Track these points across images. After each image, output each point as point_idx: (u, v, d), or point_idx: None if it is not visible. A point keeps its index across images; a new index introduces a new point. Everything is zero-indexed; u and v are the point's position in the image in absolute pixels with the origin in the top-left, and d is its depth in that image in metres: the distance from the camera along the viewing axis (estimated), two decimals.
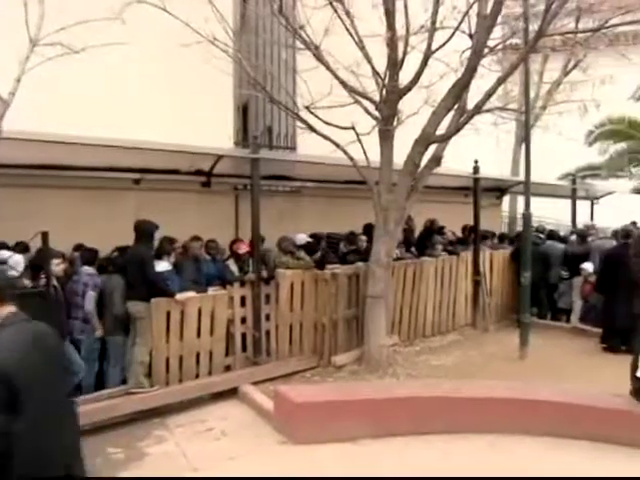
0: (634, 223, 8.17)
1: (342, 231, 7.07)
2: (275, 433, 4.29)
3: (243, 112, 7.45)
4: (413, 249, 7.24)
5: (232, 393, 5.09)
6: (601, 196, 11.01)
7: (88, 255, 5.17)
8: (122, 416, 4.49)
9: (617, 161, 9.85)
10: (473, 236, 7.58)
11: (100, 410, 4.36)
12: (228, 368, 5.33)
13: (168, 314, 4.87)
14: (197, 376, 5.09)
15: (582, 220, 10.51)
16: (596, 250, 7.22)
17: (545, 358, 6.02)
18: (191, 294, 5.02)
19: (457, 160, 7.21)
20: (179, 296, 4.88)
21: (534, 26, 5.28)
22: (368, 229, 6.35)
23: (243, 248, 5.74)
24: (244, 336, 5.44)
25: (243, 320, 5.42)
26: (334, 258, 6.20)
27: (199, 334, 5.09)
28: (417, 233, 7.68)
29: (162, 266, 5.04)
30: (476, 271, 7.44)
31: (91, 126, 4.81)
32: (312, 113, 5.30)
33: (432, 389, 4.57)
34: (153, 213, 5.19)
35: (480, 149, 7.99)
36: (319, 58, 5.17)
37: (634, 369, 4.24)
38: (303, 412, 4.24)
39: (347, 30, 5.22)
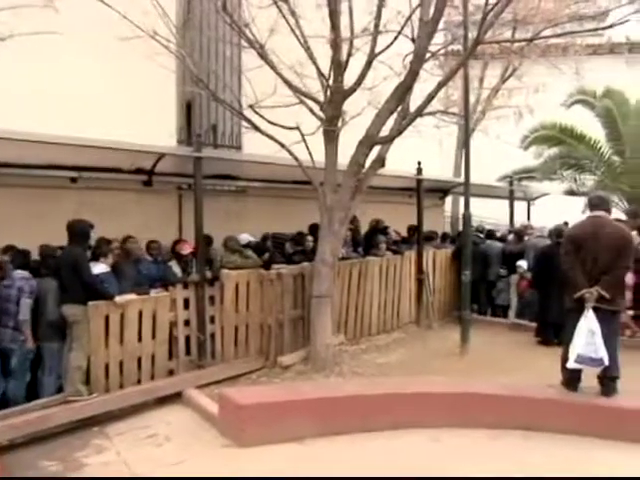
0: (566, 223, 8.63)
1: (289, 231, 7.09)
2: (220, 437, 4.22)
3: (187, 110, 7.28)
4: (360, 249, 7.34)
5: (176, 398, 4.97)
6: (537, 197, 11.59)
7: (19, 258, 4.88)
8: (58, 427, 4.27)
9: (550, 164, 10.38)
10: (417, 236, 7.76)
11: (33, 421, 4.13)
12: (172, 372, 5.21)
13: (107, 318, 4.69)
14: (139, 381, 4.94)
15: (519, 220, 11.02)
16: (531, 248, 7.59)
17: (485, 353, 6.25)
18: (131, 297, 4.86)
19: (401, 162, 7.36)
20: (118, 299, 4.72)
21: (473, 34, 5.50)
22: (314, 229, 6.38)
23: (186, 249, 5.62)
24: (188, 339, 5.33)
25: (187, 322, 5.30)
26: (280, 258, 6.19)
27: (140, 338, 4.94)
28: (363, 233, 7.79)
29: (99, 268, 4.85)
30: (420, 270, 7.63)
31: (23, 121, 4.55)
32: (256, 112, 5.27)
33: (376, 386, 4.65)
34: (92, 213, 4.99)
35: (424, 151, 8.22)
36: (264, 57, 5.15)
37: (564, 361, 4.49)
38: (248, 414, 4.19)
39: (292, 30, 5.22)
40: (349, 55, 5.10)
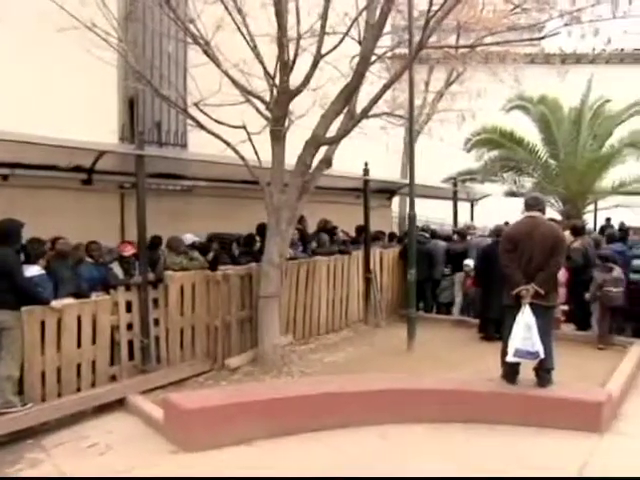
0: (507, 223, 9.01)
1: (237, 231, 7.00)
2: (166, 442, 4.11)
3: (130, 106, 7.04)
4: (309, 249, 7.36)
5: (119, 405, 4.80)
6: (479, 198, 12.02)
7: None
8: None
9: (491, 167, 10.81)
10: (364, 236, 7.86)
11: None
12: (114, 378, 5.02)
13: (43, 323, 4.46)
14: (79, 389, 4.73)
15: (463, 220, 11.40)
16: (474, 247, 7.87)
17: (430, 349, 6.40)
18: (69, 301, 4.64)
19: (350, 162, 7.45)
20: (55, 303, 4.49)
21: (418, 38, 5.62)
22: (261, 229, 6.33)
23: (128, 250, 5.44)
24: (131, 343, 5.15)
25: (129, 326, 5.13)
26: (227, 259, 6.10)
27: (80, 344, 4.72)
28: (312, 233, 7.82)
29: (33, 270, 4.60)
30: (367, 269, 7.73)
31: None
32: (201, 110, 5.16)
33: (324, 386, 4.66)
34: (26, 213, 4.71)
35: (372, 153, 8.34)
36: (209, 54, 5.05)
37: (504, 355, 4.68)
38: (194, 418, 4.11)
39: (238, 28, 5.16)
40: (296, 55, 5.10)
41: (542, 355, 4.48)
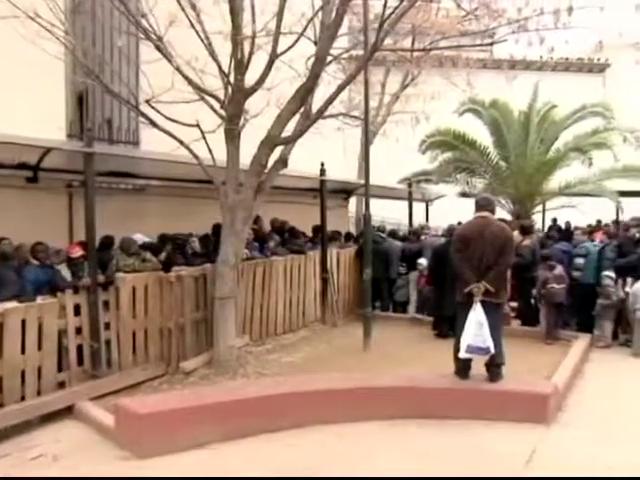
0: (460, 223, 9.26)
1: (193, 232, 6.88)
2: (117, 450, 3.99)
3: (79, 102, 6.79)
4: (266, 249, 7.31)
5: (68, 412, 4.62)
6: (434, 199, 12.30)
7: None
8: None
9: (445, 168, 11.06)
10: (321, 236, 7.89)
11: None
12: (62, 385, 4.82)
13: None
14: (23, 397, 4.51)
15: (419, 220, 11.63)
16: (428, 247, 8.05)
17: (386, 347, 6.48)
18: (12, 304, 4.42)
19: (307, 163, 7.46)
20: None
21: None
22: (217, 229, 6.24)
23: (77, 251, 5.24)
24: (80, 348, 4.97)
25: (78, 330, 4.94)
26: (180, 259, 5.98)
27: (24, 350, 4.51)
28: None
29: None
30: (324, 269, 7.76)
31: None
32: (153, 107, 5.04)
33: (281, 386, 4.64)
34: None
35: (329, 153, 8.38)
36: (161, 50, 4.94)
37: (456, 351, 4.80)
38: (147, 423, 4.01)
39: (192, 24, 5.06)
40: (251, 54, 5.05)
41: (493, 350, 4.62)
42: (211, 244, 6.41)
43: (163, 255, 5.86)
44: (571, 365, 5.66)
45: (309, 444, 4.16)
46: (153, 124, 5.18)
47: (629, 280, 6.91)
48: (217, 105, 5.23)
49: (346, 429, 4.38)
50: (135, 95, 5.50)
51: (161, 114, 5.13)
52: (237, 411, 4.28)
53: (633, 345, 6.61)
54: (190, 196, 7.18)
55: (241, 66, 5.01)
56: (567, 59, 18.16)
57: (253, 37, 4.94)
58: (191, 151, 5.20)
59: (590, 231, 8.02)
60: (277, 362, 6.02)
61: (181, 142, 5.14)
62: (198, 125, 5.14)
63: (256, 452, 4.01)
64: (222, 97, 5.21)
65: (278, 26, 5.06)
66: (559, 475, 3.64)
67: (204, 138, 5.21)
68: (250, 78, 5.25)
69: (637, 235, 7.18)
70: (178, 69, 4.90)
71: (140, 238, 6.00)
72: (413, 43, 9.53)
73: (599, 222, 11.09)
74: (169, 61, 4.88)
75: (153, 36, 4.96)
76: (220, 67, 5.10)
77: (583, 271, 7.21)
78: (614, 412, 4.74)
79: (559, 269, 6.87)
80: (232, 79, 5.12)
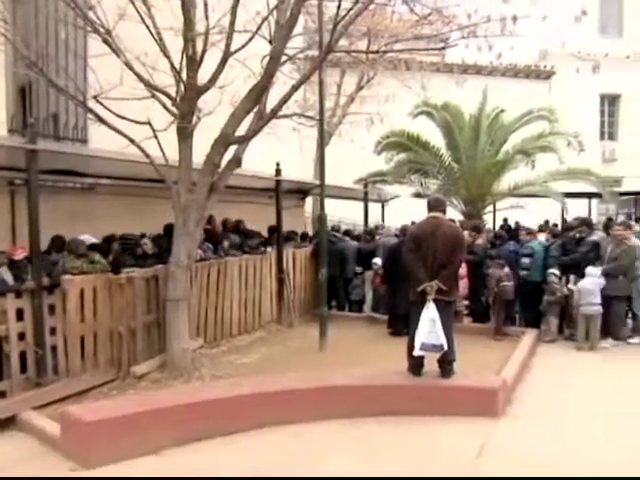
0: (413, 223, 9.44)
1: (146, 232, 6.69)
2: (64, 460, 3.83)
3: (22, 95, 6.48)
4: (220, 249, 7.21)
5: (11, 423, 4.39)
6: (390, 199, 12.48)
7: None
8: None
9: (400, 169, 11.23)
10: (277, 236, 7.85)
11: None
12: (3, 394, 4.58)
13: None
14: None
15: (375, 220, 11.77)
16: (382, 246, 8.17)
17: (342, 346, 6.52)
18: None
19: (263, 163, 7.41)
20: None
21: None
22: (169, 230, 6.10)
23: (19, 253, 4.99)
24: (23, 355, 4.73)
25: (21, 336, 4.71)
26: (131, 260, 5.81)
27: None
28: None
29: None
30: (280, 269, 7.73)
31: None
32: (101, 104, 4.87)
33: (235, 388, 4.59)
34: None
35: (286, 153, 8.36)
36: (110, 45, 4.77)
37: (410, 349, 4.88)
38: (96, 431, 3.86)
39: (142, 19, 4.92)
40: (204, 51, 4.96)
41: (446, 347, 4.73)
42: (163, 245, 6.25)
43: (110, 257, 5.67)
44: (519, 359, 5.87)
45: (265, 445, 4.13)
46: (102, 121, 5.01)
47: (572, 277, 7.24)
48: (169, 102, 5.11)
49: (303, 429, 4.39)
50: (82, 91, 5.29)
51: (110, 111, 4.97)
52: (191, 415, 4.19)
53: (577, 339, 6.92)
54: (141, 195, 6.99)
55: (193, 63, 4.91)
56: (515, 65, 18.86)
57: (206, 34, 4.85)
58: (142, 149, 5.06)
59: (533, 231, 8.34)
60: (232, 364, 5.95)
61: (131, 140, 5.00)
62: (149, 123, 5.01)
63: (209, 456, 3.95)
64: (174, 94, 5.09)
65: (232, 23, 5.00)
66: (508, 466, 3.77)
67: (155, 136, 5.08)
68: (204, 76, 5.16)
69: (578, 234, 7.52)
70: (127, 64, 4.75)
71: (88, 239, 5.78)
72: (369, 45, 9.64)
73: (547, 222, 11.57)
74: (118, 56, 4.72)
75: (101, 29, 4.79)
76: (172, 64, 4.98)
77: (529, 270, 7.50)
78: (560, 403, 4.95)
79: (506, 268, 7.14)
80: (184, 76, 5.01)
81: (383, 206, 12.44)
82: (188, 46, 4.77)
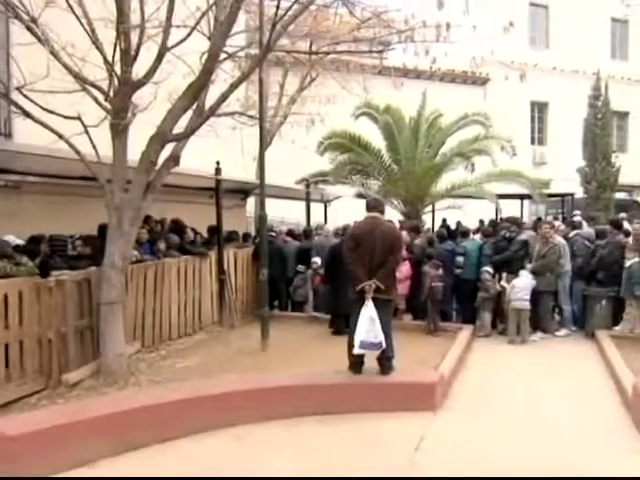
0: (356, 222, 9.55)
1: (79, 232, 6.38)
2: None
3: None
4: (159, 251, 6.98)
5: None
6: (332, 199, 12.57)
7: None
8: None
9: (341, 170, 11.33)
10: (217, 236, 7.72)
11: None
12: None
13: None
14: None
15: (317, 220, 11.81)
16: (319, 246, 8.24)
17: (285, 347, 6.50)
18: None
19: (205, 162, 7.26)
20: None
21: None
22: (102, 230, 5.84)
23: None
24: None
25: None
26: (61, 263, 5.51)
27: None
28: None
29: None
30: (221, 270, 7.61)
31: None
32: (26, 97, 4.59)
33: (173, 393, 4.47)
34: None
35: (228, 153, 8.24)
36: (35, 33, 4.50)
37: (350, 347, 4.94)
38: (22, 445, 3.64)
39: (71, 8, 4.69)
40: (139, 44, 4.79)
41: (384, 345, 4.82)
42: (97, 246, 5.98)
43: (37, 260, 5.35)
44: (456, 354, 6.08)
45: (205, 450, 4.06)
46: (27, 115, 4.72)
47: (504, 275, 7.60)
48: (101, 97, 4.89)
49: (245, 431, 4.35)
50: (4, 82, 4.96)
51: (36, 104, 4.69)
52: (127, 422, 4.05)
53: (508, 333, 7.27)
54: (72, 194, 6.66)
55: (127, 57, 4.73)
56: (453, 71, 19.56)
57: (141, 27, 4.69)
58: (72, 146, 4.81)
59: (466, 231, 8.67)
60: (172, 368, 5.78)
61: (60, 136, 4.74)
62: (79, 118, 4.78)
63: (147, 464, 3.83)
64: (107, 89, 4.88)
65: (168, 17, 4.86)
66: (445, 458, 3.89)
67: (87, 132, 4.85)
68: (140, 70, 4.98)
69: (508, 234, 7.89)
70: (54, 54, 4.50)
71: (13, 240, 5.43)
72: (311, 46, 9.67)
73: (482, 222, 12.03)
74: (44, 45, 4.46)
75: (25, 16, 4.51)
76: (104, 57, 4.77)
77: (463, 268, 7.81)
78: (494, 395, 5.17)
79: (441, 268, 7.38)
80: (118, 70, 4.82)
81: (326, 206, 12.52)
82: (121, 39, 4.58)
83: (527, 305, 7.11)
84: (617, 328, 7.21)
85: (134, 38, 4.79)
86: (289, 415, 4.55)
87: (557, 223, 9.81)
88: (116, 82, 4.88)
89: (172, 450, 4.05)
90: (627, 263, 7.02)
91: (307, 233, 8.93)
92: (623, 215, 12.12)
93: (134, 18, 4.84)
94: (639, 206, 17.74)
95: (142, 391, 4.89)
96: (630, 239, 7.50)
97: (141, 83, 4.86)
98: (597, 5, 18.75)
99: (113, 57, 4.75)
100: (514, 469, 3.67)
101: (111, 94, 4.87)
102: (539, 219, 12.18)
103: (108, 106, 4.87)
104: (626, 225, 8.42)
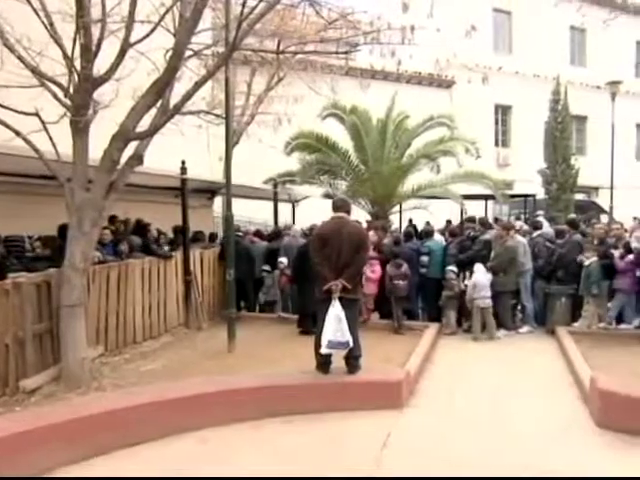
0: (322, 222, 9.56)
1: (36, 233, 6.18)
2: None
3: None
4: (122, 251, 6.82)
5: None
6: (300, 199, 12.55)
7: None
8: None
9: (309, 170, 11.33)
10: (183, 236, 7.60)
11: None
12: None
13: None
14: None
15: (285, 220, 11.78)
16: (287, 246, 8.22)
17: (252, 348, 6.46)
18: None
19: (172, 161, 7.14)
20: None
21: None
22: (63, 230, 5.67)
23: None
24: None
25: None
26: (18, 264, 5.32)
27: None
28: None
29: None
30: (187, 271, 7.49)
31: None
32: None
33: (137, 397, 4.37)
34: None
35: (195, 152, 8.12)
36: None
37: (317, 347, 4.94)
38: None
39: (27, 0, 4.53)
40: (100, 39, 4.67)
41: (352, 344, 4.84)
42: (56, 247, 5.79)
43: None
44: (422, 352, 6.16)
45: (170, 454, 3.99)
46: None
47: (467, 274, 7.74)
48: (61, 93, 4.74)
49: (210, 434, 4.30)
50: None
51: None
52: (88, 428, 3.94)
53: (473, 331, 7.41)
54: (30, 194, 6.44)
55: (88, 52, 4.60)
56: (420, 73, 19.84)
57: (103, 22, 4.57)
58: (29, 143, 4.65)
59: (430, 231, 8.78)
60: (136, 371, 5.66)
61: (17, 132, 4.57)
62: (37, 114, 4.62)
63: (109, 471, 3.73)
64: (66, 85, 4.74)
65: (131, 13, 4.75)
66: (411, 455, 3.93)
67: (45, 129, 4.70)
68: (103, 66, 4.85)
69: (472, 233, 8.06)
70: (9, 47, 4.33)
71: None
72: (278, 46, 9.64)
73: (449, 222, 12.22)
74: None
75: None
76: (64, 51, 4.63)
77: (428, 267, 7.92)
78: (459, 392, 5.25)
79: (405, 267, 7.47)
80: (78, 66, 4.68)
81: (294, 206, 12.49)
82: (81, 33, 4.45)
83: (489, 302, 7.26)
84: (576, 324, 7.45)
85: (95, 33, 4.66)
86: (256, 416, 4.52)
87: (519, 223, 10.08)
88: (76, 78, 4.74)
89: (136, 455, 3.97)
90: (586, 262, 7.26)
91: (277, 233, 8.90)
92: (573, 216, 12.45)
93: (95, 12, 4.71)
94: (597, 207, 18.45)
95: (104, 396, 4.77)
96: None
97: (103, 80, 4.74)
98: (557, 13, 19.35)
99: (72, 52, 4.61)
100: (479, 467, 3.74)
101: (71, 90, 4.73)
102: (496, 219, 12.49)
103: (68, 102, 4.73)
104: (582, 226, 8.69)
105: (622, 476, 3.59)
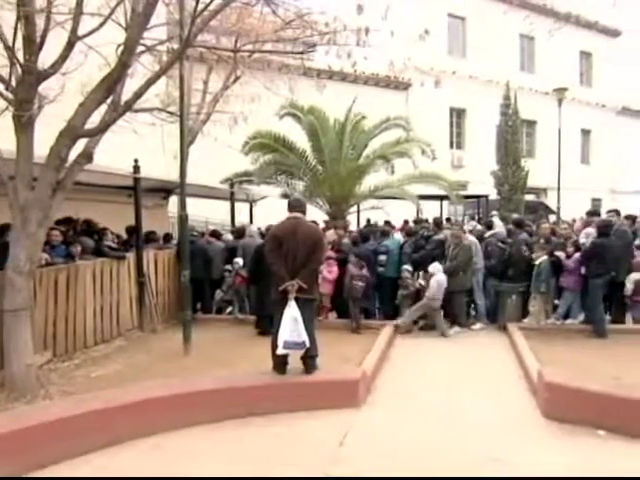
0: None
1: None
2: None
3: None
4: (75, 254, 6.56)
5: None
6: (258, 199, 12.46)
7: None
8: None
9: (266, 170, 11.27)
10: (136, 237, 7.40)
11: None
12: None
13: None
14: None
15: (243, 220, 11.67)
16: (244, 246, 8.15)
17: (209, 350, 6.37)
18: None
19: (125, 160, 6.92)
20: None
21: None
22: (3, 231, 5.40)
23: None
24: None
25: None
26: None
27: None
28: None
29: None
30: (140, 272, 7.29)
31: None
32: None
33: (86, 404, 4.20)
34: None
35: (150, 151, 7.91)
36: None
37: (274, 348, 4.91)
38: None
39: None
40: (45, 31, 4.47)
41: (308, 344, 4.84)
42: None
43: None
44: (378, 350, 6.23)
45: (121, 462, 3.86)
46: None
47: (422, 273, 7.89)
48: (2, 86, 4.51)
49: (164, 439, 4.20)
50: None
51: None
52: (33, 439, 3.76)
53: (437, 328, 7.53)
54: None
55: (32, 44, 4.39)
56: (377, 75, 20.10)
57: (48, 12, 4.37)
58: None
59: (386, 231, 8.91)
60: (86, 377, 5.46)
61: None
62: None
63: None
64: (8, 77, 4.51)
65: (79, 3, 4.57)
66: (367, 451, 3.97)
67: None
68: (49, 59, 4.64)
69: (426, 233, 8.23)
70: None
71: None
72: (236, 44, 9.52)
73: (406, 222, 12.42)
74: None
75: None
76: (4, 42, 4.40)
77: (385, 266, 8.03)
78: (415, 388, 5.35)
79: (365, 269, 7.54)
80: (21, 58, 4.47)
81: (252, 206, 12.40)
82: (23, 23, 4.24)
83: (437, 304, 7.41)
84: (526, 321, 7.72)
85: (40, 23, 4.45)
86: (213, 419, 4.45)
87: (473, 223, 10.36)
88: (19, 70, 4.52)
89: (85, 465, 3.82)
90: (537, 261, 7.53)
91: (239, 233, 8.77)
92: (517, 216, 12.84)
93: (39, 1, 4.50)
94: (545, 207, 19.23)
95: (51, 404, 4.57)
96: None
97: (48, 73, 4.54)
98: (507, 20, 20.03)
99: (13, 42, 4.39)
100: (434, 459, 3.81)
101: (13, 83, 4.50)
102: (448, 219, 12.82)
103: (10, 96, 4.50)
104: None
105: (622, 476, 3.58)
